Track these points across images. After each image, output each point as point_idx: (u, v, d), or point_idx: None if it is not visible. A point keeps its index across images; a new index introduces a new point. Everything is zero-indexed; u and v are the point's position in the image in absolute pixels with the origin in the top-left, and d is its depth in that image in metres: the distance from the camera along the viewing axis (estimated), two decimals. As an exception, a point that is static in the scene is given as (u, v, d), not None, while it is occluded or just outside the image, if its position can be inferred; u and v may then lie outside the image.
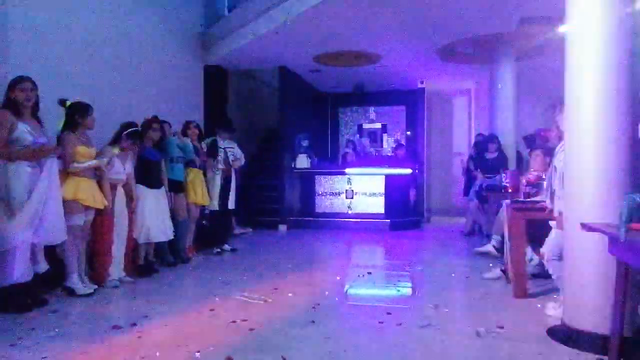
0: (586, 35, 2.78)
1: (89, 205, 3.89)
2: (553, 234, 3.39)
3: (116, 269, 4.24)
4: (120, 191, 4.31)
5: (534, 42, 6.46)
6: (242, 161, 6.18)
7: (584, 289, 2.77)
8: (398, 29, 6.48)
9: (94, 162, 3.90)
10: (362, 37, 6.83)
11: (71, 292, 3.80)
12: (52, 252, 3.79)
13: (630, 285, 2.42)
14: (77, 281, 3.84)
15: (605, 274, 2.61)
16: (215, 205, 5.85)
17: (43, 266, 3.59)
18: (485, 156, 6.71)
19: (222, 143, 5.95)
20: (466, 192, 7.51)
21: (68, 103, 3.91)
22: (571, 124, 2.90)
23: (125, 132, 4.31)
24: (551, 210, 3.42)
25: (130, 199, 4.43)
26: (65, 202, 3.68)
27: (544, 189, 3.86)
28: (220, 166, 5.86)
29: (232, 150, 6.07)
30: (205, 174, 5.75)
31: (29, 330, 3.04)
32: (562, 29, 3.07)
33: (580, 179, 2.79)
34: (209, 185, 5.79)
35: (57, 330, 3.05)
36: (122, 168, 4.31)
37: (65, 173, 3.78)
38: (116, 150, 4.15)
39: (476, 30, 6.48)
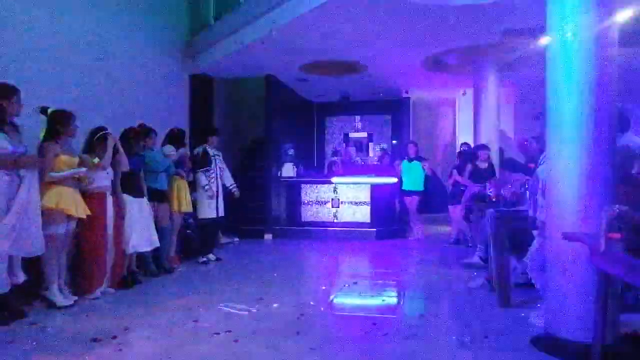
0: (566, 47, 2.84)
1: (71, 215, 3.82)
2: (536, 243, 3.42)
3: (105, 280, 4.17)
4: (109, 200, 4.24)
5: (517, 53, 6.57)
6: (228, 173, 6.19)
7: (566, 297, 2.79)
8: (384, 40, 6.54)
9: (70, 172, 3.83)
10: (348, 47, 6.88)
11: (51, 304, 3.71)
12: (30, 263, 3.70)
13: (611, 294, 2.45)
14: (57, 292, 3.75)
15: (586, 282, 2.64)
16: (211, 214, 5.83)
17: (21, 277, 3.51)
18: (478, 165, 6.72)
19: (212, 152, 5.93)
20: (451, 201, 7.55)
21: (49, 111, 3.85)
22: (552, 135, 2.94)
23: (95, 138, 4.21)
24: (534, 220, 3.45)
25: (119, 207, 4.37)
26: (47, 211, 3.62)
27: (526, 198, 3.90)
28: (206, 185, 5.79)
29: (220, 158, 6.07)
30: (192, 182, 5.72)
31: (7, 343, 2.96)
32: (543, 40, 3.12)
33: (562, 189, 2.83)
34: (201, 195, 5.77)
35: (35, 343, 2.98)
36: (110, 176, 4.26)
37: (46, 182, 3.71)
38: (96, 160, 4.08)
39: (461, 42, 6.57)
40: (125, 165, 4.43)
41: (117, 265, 4.38)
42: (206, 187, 5.76)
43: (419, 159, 7.78)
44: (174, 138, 5.55)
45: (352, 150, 10.88)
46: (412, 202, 7.67)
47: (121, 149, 4.40)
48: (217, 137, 6.05)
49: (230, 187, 6.15)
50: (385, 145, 10.90)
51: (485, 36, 6.27)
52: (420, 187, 7.64)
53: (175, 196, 5.39)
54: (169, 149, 5.38)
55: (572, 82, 2.81)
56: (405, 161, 7.77)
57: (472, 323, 3.41)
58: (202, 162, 5.78)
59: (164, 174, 5.21)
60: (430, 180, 7.77)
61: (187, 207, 5.52)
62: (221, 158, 6.13)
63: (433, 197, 7.80)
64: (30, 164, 3.44)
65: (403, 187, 7.74)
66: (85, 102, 4.97)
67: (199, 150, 5.89)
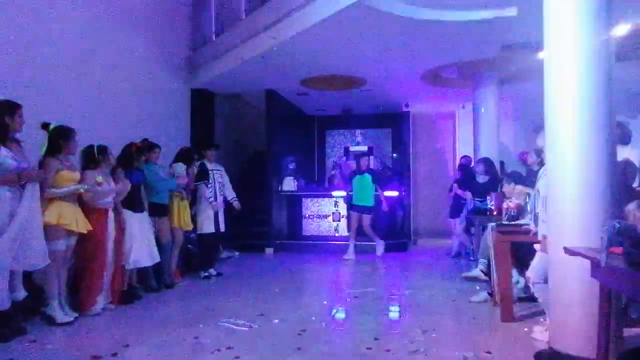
0: (564, 62, 2.86)
1: (72, 230, 3.82)
2: (538, 257, 3.41)
3: (102, 296, 4.14)
4: (110, 216, 4.24)
5: (516, 67, 6.62)
6: (229, 187, 6.20)
7: (569, 312, 2.78)
8: (383, 55, 6.60)
9: (72, 188, 3.83)
10: (348, 61, 6.94)
11: (51, 321, 3.69)
12: (30, 279, 3.69)
13: (613, 309, 2.44)
14: (57, 309, 3.73)
15: (589, 297, 2.62)
16: (211, 228, 5.83)
17: (21, 293, 3.49)
18: (477, 179, 6.71)
19: (210, 166, 5.95)
20: (452, 214, 7.54)
21: (51, 127, 3.87)
22: (552, 149, 2.95)
23: (98, 154, 4.20)
24: (535, 234, 3.45)
25: (119, 223, 4.38)
26: (48, 227, 3.62)
27: (527, 212, 3.90)
28: (210, 198, 5.83)
29: (219, 173, 6.08)
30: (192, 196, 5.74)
31: (6, 361, 2.94)
32: (540, 55, 3.15)
33: (563, 203, 2.83)
34: (201, 209, 5.77)
35: (35, 360, 2.96)
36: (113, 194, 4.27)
37: (47, 198, 3.71)
38: (100, 179, 4.09)
39: (459, 56, 6.63)
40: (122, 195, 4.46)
41: (117, 281, 4.36)
42: (210, 200, 5.81)
43: (370, 171, 7.40)
44: (183, 156, 5.61)
45: (352, 164, 10.87)
46: (360, 218, 7.26)
47: (126, 183, 4.46)
48: (214, 151, 6.09)
49: (232, 200, 6.15)
50: (385, 159, 10.91)
51: (484, 50, 6.32)
52: (370, 202, 7.28)
53: (175, 212, 5.39)
54: (181, 169, 5.42)
55: (571, 96, 2.82)
56: (358, 175, 7.39)
57: (475, 338, 3.39)
58: (200, 176, 5.79)
59: (165, 189, 5.22)
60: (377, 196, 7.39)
61: (186, 226, 5.53)
62: (222, 172, 6.15)
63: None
64: (33, 177, 3.45)
65: (353, 202, 7.35)
66: (86, 117, 4.99)
67: (196, 164, 5.91)
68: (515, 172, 5.19)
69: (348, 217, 7.52)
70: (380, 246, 7.47)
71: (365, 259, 7.29)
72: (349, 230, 7.38)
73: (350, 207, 7.45)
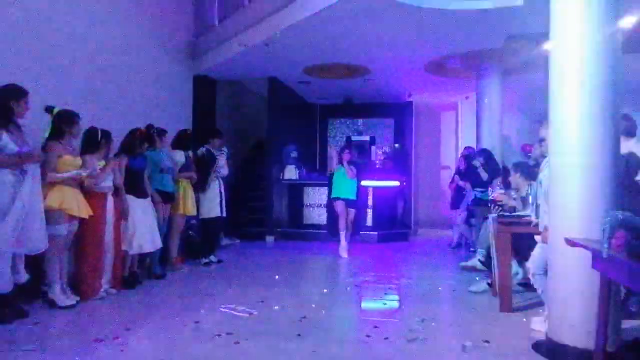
0: (569, 53, 2.84)
1: (74, 215, 3.83)
2: (538, 248, 3.42)
3: (104, 281, 4.17)
4: (110, 201, 4.25)
5: (520, 58, 6.57)
6: (226, 171, 6.19)
7: (568, 303, 2.78)
8: (387, 44, 6.56)
9: (73, 173, 3.82)
10: (351, 50, 6.89)
11: (52, 304, 3.71)
12: (33, 262, 3.71)
13: (613, 300, 2.45)
14: (59, 292, 3.76)
15: (589, 288, 2.63)
16: (217, 212, 5.86)
17: (23, 276, 3.51)
18: (477, 170, 6.70)
19: (214, 152, 5.97)
20: (453, 205, 7.55)
21: (55, 110, 3.86)
22: (555, 140, 2.94)
23: (101, 138, 4.18)
24: (536, 225, 3.45)
25: (122, 209, 4.39)
26: (50, 211, 3.62)
27: (529, 203, 3.89)
28: (222, 172, 5.94)
29: (222, 158, 6.11)
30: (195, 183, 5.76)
31: (8, 343, 2.96)
32: (546, 46, 3.13)
33: (564, 194, 2.83)
34: (207, 194, 5.81)
35: (37, 343, 2.98)
36: (111, 177, 4.27)
37: (49, 182, 3.72)
38: (102, 163, 4.09)
39: (464, 46, 6.58)
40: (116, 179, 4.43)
41: (118, 266, 4.38)
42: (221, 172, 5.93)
43: (353, 164, 6.86)
44: (182, 142, 5.62)
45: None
46: (346, 211, 6.72)
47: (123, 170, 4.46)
48: (220, 139, 6.09)
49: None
50: (387, 149, 10.90)
51: (489, 41, 6.27)
52: (354, 195, 6.78)
53: (181, 198, 5.40)
54: (181, 157, 5.45)
55: (575, 87, 2.80)
56: (340, 167, 6.79)
57: (474, 327, 3.41)
58: (209, 164, 5.83)
59: (169, 176, 5.22)
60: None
61: (191, 210, 5.54)
62: (225, 157, 6.15)
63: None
64: (34, 158, 3.45)
65: (335, 195, 6.76)
66: (88, 102, 4.96)
67: (202, 150, 5.92)
68: (523, 162, 5.17)
69: (334, 208, 6.86)
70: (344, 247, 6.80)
71: (365, 248, 7.31)
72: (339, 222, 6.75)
73: (334, 198, 6.82)
